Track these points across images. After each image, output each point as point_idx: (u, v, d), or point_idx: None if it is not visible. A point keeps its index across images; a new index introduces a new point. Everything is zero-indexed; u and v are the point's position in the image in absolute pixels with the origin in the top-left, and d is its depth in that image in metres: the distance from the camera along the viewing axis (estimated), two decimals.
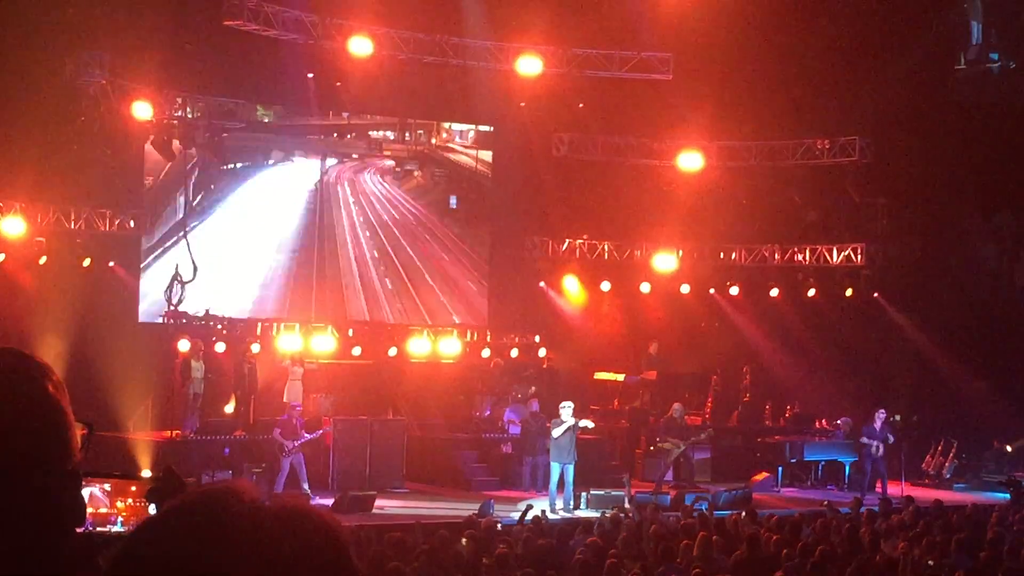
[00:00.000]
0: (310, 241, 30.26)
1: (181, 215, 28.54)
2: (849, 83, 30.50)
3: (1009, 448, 29.38)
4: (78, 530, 2.06)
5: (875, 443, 26.29)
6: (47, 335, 23.70)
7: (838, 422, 29.08)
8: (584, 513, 22.09)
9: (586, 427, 23.76)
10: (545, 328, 31.33)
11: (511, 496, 24.20)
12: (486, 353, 29.98)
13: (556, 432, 23.21)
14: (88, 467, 2.09)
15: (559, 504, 22.87)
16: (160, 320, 27.25)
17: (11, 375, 2.04)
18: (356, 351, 28.27)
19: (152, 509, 3.17)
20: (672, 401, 27.19)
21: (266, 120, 29.98)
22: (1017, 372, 29.55)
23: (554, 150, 31.23)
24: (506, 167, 31.93)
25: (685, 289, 32.34)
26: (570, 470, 23.18)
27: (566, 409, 23.31)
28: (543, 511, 20.59)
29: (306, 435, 23.56)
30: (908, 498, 21.65)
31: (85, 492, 2.14)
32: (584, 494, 23.48)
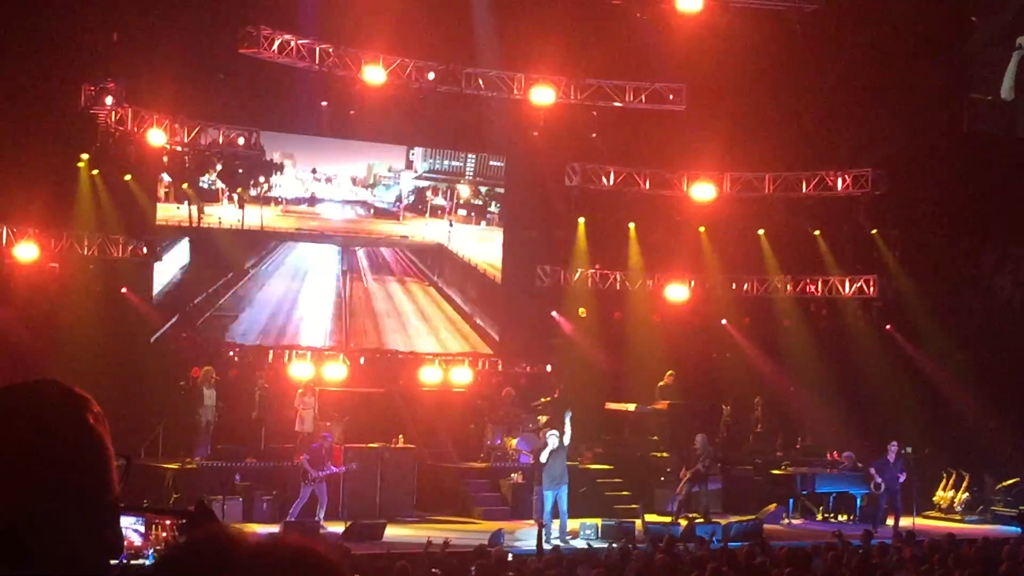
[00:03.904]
0: (327, 268, 30.28)
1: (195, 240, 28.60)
2: (863, 115, 30.55)
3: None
4: (112, 562, 2.08)
5: (879, 480, 26.22)
6: (59, 361, 23.71)
7: (842, 456, 29.04)
8: (593, 543, 22.01)
9: (568, 417, 23.48)
10: (556, 357, 31.32)
11: (522, 526, 24.15)
12: (497, 382, 29.96)
13: (543, 456, 23.11)
14: (124, 499, 2.10)
15: (554, 533, 22.74)
16: (172, 347, 27.31)
17: (52, 407, 2.05)
18: (367, 379, 28.27)
19: None
20: (691, 432, 27.16)
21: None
22: None
23: (566, 179, 31.27)
24: (519, 196, 31.98)
25: (697, 320, 32.30)
26: (564, 496, 23.04)
27: (553, 436, 23.24)
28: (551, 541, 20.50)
29: (332, 468, 23.52)
30: (910, 534, 21.55)
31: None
32: (595, 524, 23.42)
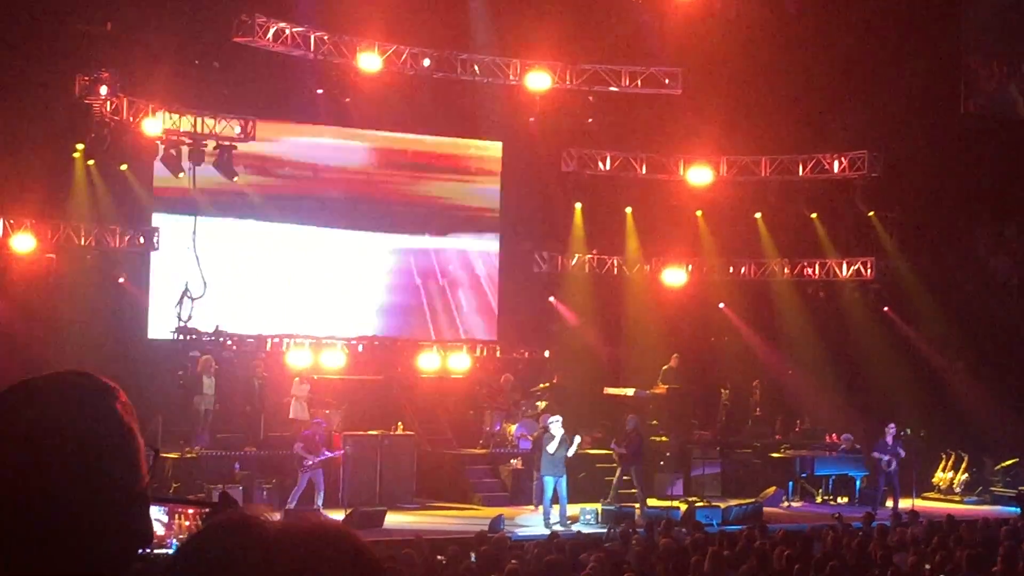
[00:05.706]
0: (321, 254, 30.28)
1: (192, 231, 28.53)
2: (859, 97, 30.52)
3: None
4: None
5: (887, 458, 26.29)
6: (57, 351, 23.71)
7: (840, 438, 29.09)
8: (593, 528, 22.06)
9: (578, 444, 23.51)
10: (554, 343, 31.32)
11: (522, 511, 24.20)
12: (496, 368, 29.95)
13: (551, 447, 23.11)
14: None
15: (554, 519, 22.79)
16: (170, 336, 27.27)
17: (81, 396, 2.06)
18: (366, 366, 28.26)
19: None
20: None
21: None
22: None
23: (563, 165, 31.23)
24: (515, 182, 31.97)
25: (694, 304, 32.31)
26: (563, 484, 23.11)
27: (556, 424, 23.26)
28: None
29: (327, 452, 23.53)
30: (913, 513, 21.64)
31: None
32: (595, 509, 23.46)
